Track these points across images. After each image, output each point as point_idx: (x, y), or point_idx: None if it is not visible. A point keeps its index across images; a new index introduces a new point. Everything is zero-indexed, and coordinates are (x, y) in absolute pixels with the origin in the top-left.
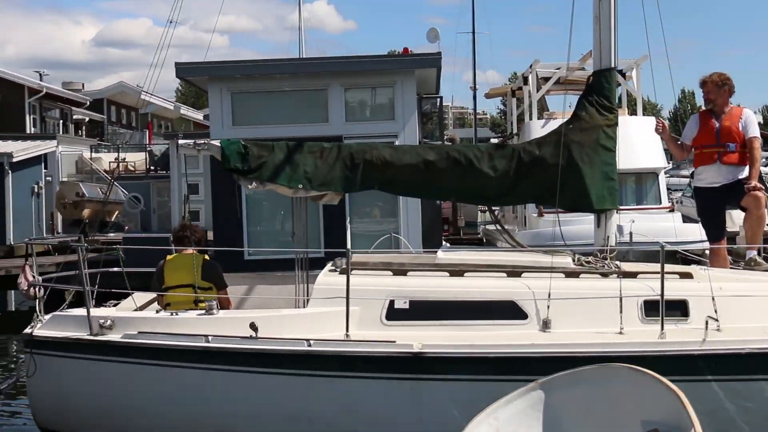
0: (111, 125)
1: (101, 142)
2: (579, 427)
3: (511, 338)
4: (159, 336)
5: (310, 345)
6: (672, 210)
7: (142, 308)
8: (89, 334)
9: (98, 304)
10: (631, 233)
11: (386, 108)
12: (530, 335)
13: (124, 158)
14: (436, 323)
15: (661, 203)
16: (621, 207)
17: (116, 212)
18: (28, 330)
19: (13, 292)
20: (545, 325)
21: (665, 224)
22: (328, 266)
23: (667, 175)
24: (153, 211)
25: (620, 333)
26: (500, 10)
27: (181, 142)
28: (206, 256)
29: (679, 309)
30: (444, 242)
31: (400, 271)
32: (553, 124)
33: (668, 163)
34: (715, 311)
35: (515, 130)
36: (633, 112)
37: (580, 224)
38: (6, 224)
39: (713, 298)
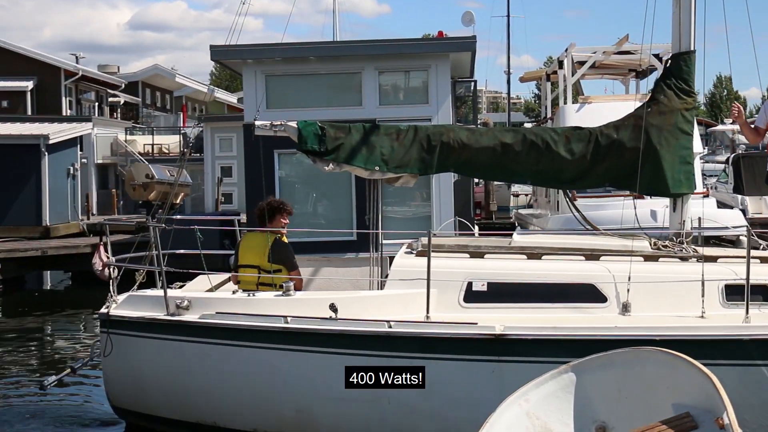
0: (145, 108)
1: (136, 125)
2: (610, 410)
3: (592, 321)
4: (237, 316)
5: (390, 326)
6: (707, 195)
7: (213, 289)
8: (166, 314)
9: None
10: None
11: (420, 91)
12: (610, 318)
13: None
14: (514, 306)
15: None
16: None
17: (182, 194)
18: (103, 310)
19: (48, 272)
20: (625, 308)
21: (700, 209)
22: (404, 248)
23: (702, 161)
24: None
25: (701, 317)
26: None
27: (258, 123)
28: (283, 237)
29: (761, 293)
30: (476, 226)
31: (477, 253)
32: (588, 109)
33: (703, 148)
34: None
35: (549, 115)
36: None
37: (612, 209)
38: (42, 206)
39: None
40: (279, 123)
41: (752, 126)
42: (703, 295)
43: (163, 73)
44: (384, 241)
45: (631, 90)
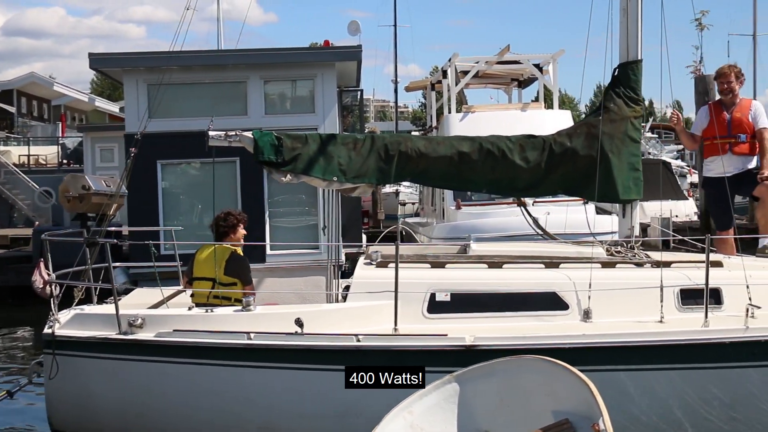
0: (21, 117)
1: (10, 135)
2: (493, 419)
3: (559, 329)
4: (197, 334)
5: (359, 340)
6: (586, 202)
7: (158, 305)
8: (118, 333)
9: (100, 301)
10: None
11: (306, 101)
12: (573, 326)
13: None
14: (478, 315)
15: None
16: (537, 199)
17: (116, 206)
18: (47, 330)
19: None
20: (586, 315)
21: (579, 216)
22: (362, 259)
23: None
24: None
25: (660, 321)
26: (422, 3)
27: (211, 133)
28: (238, 250)
29: (713, 297)
30: (363, 235)
31: (437, 263)
32: (472, 117)
33: None
34: (750, 299)
35: (434, 123)
36: (549, 105)
37: (496, 216)
38: None
39: (747, 286)
40: (234, 133)
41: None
42: (662, 301)
43: (40, 81)
44: (270, 252)
45: (513, 99)
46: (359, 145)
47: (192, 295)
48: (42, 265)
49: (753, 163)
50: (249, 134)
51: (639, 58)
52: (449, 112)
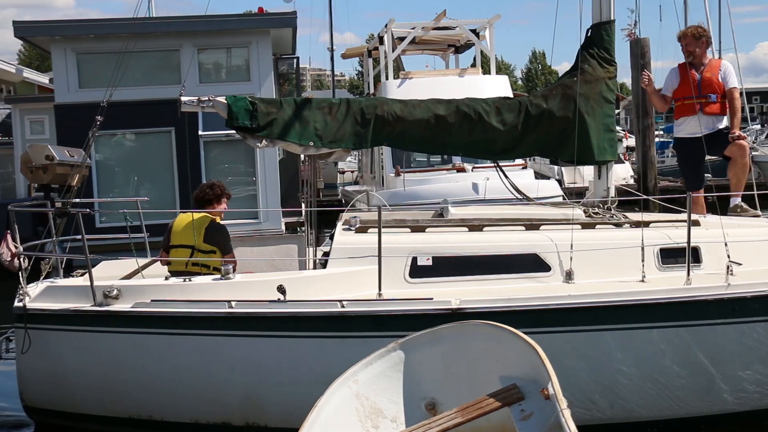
0: None
1: None
2: (439, 386)
3: (542, 290)
4: (176, 303)
5: (343, 306)
6: (525, 167)
7: (130, 276)
8: (93, 305)
9: (66, 274)
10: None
11: (242, 69)
12: (555, 287)
13: None
14: (460, 279)
15: (514, 161)
16: (476, 165)
17: (79, 176)
18: (18, 303)
19: None
20: (568, 276)
21: (518, 181)
22: (340, 224)
23: None
24: None
25: (642, 281)
26: None
27: (183, 98)
28: (218, 219)
29: (692, 256)
30: (302, 204)
31: (417, 228)
32: (409, 84)
33: None
34: (728, 256)
35: (372, 91)
36: (486, 71)
37: (436, 182)
38: None
39: (726, 244)
40: (207, 98)
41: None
42: (643, 260)
43: None
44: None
45: (451, 65)
46: (335, 110)
47: (168, 264)
48: (9, 237)
49: (723, 123)
50: (222, 99)
51: (612, 18)
52: (386, 79)
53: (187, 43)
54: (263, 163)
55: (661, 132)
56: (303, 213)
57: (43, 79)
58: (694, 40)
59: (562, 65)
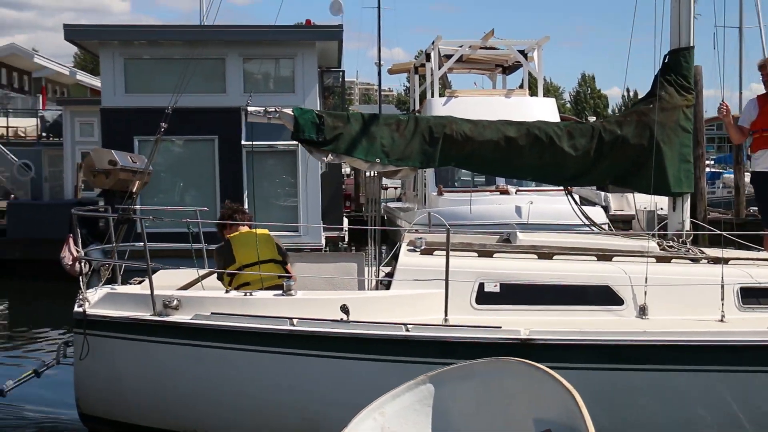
0: (1, 88)
1: None
2: (469, 423)
3: (615, 325)
4: (237, 318)
5: (408, 330)
6: (570, 192)
7: (187, 286)
8: (152, 314)
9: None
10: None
11: (287, 80)
12: (628, 322)
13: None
14: (528, 308)
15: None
16: (520, 189)
17: (140, 183)
18: (78, 308)
19: None
20: (642, 311)
21: (562, 206)
22: (405, 245)
23: None
24: (44, 180)
25: (721, 321)
26: None
27: (250, 108)
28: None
29: None
30: (345, 219)
31: (485, 252)
32: (455, 102)
33: None
34: None
35: (417, 107)
36: (534, 93)
37: (478, 204)
38: None
39: None
40: (273, 110)
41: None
42: (722, 299)
43: (20, 52)
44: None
45: (498, 85)
46: (403, 127)
47: (244, 284)
48: (71, 241)
49: None
50: (289, 111)
51: (691, 44)
52: (432, 96)
53: (233, 52)
54: (305, 175)
55: (712, 162)
56: (344, 228)
57: (96, 82)
58: None
59: (612, 89)
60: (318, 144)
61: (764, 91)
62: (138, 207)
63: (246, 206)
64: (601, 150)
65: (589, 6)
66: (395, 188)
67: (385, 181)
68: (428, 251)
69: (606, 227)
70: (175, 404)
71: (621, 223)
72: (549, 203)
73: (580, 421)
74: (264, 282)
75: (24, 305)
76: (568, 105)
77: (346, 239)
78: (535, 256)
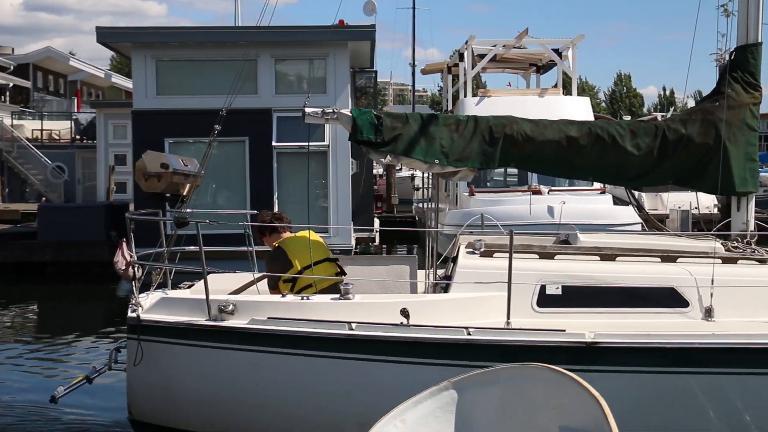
0: (37, 91)
1: (25, 109)
2: (492, 430)
3: (681, 327)
4: (295, 322)
5: (470, 333)
6: (603, 192)
7: (237, 292)
8: (207, 319)
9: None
10: None
11: (318, 81)
12: (694, 324)
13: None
14: (590, 310)
15: (592, 185)
16: (553, 188)
17: (190, 186)
18: (131, 314)
19: None
20: (708, 313)
21: (596, 206)
22: (464, 248)
23: None
24: (78, 182)
25: None
26: None
27: (308, 110)
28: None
29: None
30: (376, 220)
31: (546, 254)
32: (488, 102)
33: None
34: None
35: (450, 107)
36: (568, 92)
37: (509, 204)
38: None
39: None
40: (331, 110)
41: None
42: None
43: (56, 55)
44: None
45: (532, 84)
46: (462, 127)
47: (305, 288)
48: (125, 245)
49: None
50: (347, 112)
51: (759, 40)
52: (465, 96)
53: (265, 53)
54: (336, 177)
55: None
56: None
57: (130, 84)
58: None
59: (648, 88)
60: (376, 145)
61: None
62: (190, 210)
63: (276, 208)
64: (664, 149)
65: (625, 5)
66: (427, 189)
67: (417, 181)
68: (487, 254)
69: (639, 227)
70: (229, 410)
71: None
72: (582, 203)
73: (606, 429)
74: (319, 284)
75: (53, 309)
76: (603, 104)
77: (377, 240)
78: (598, 258)
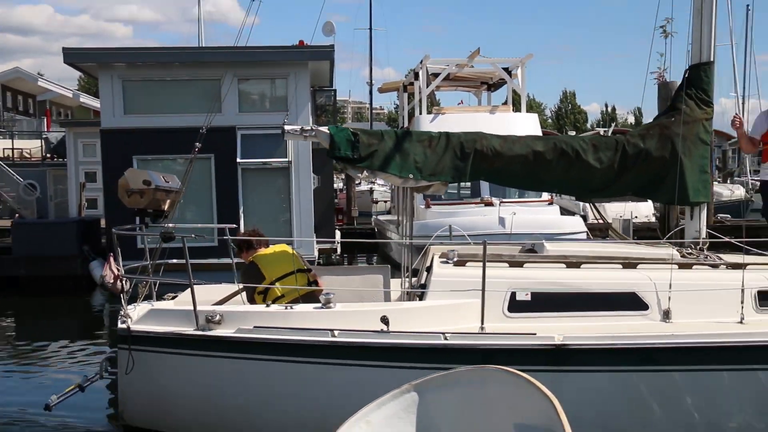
0: (6, 111)
1: None
2: (452, 429)
3: (640, 329)
4: (280, 331)
5: (447, 338)
6: (551, 203)
7: (220, 303)
8: (196, 329)
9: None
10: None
11: (280, 99)
12: (654, 326)
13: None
14: (558, 315)
15: (540, 196)
16: (503, 199)
17: (170, 201)
18: (122, 325)
19: None
20: (666, 315)
21: (544, 216)
22: (438, 258)
23: None
24: (50, 199)
25: (741, 323)
26: (398, 8)
27: (287, 127)
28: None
29: None
30: (337, 232)
31: (515, 262)
32: (442, 119)
33: None
34: None
35: (406, 125)
36: (517, 109)
37: (464, 216)
38: None
39: None
40: (309, 128)
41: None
42: (743, 302)
43: (25, 76)
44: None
45: (483, 102)
46: (434, 143)
47: (278, 298)
48: (112, 259)
49: None
50: (325, 129)
51: (711, 59)
52: (420, 114)
53: (228, 73)
54: (298, 191)
55: None
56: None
57: (98, 104)
58: None
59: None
60: (353, 161)
61: None
62: (171, 225)
63: (242, 222)
64: (625, 163)
65: (570, 27)
66: (385, 201)
67: (375, 195)
68: (461, 263)
69: (584, 235)
70: (218, 416)
71: (598, 231)
72: (531, 213)
73: (559, 427)
74: (290, 294)
75: (28, 321)
76: (550, 120)
77: (339, 251)
78: (564, 265)
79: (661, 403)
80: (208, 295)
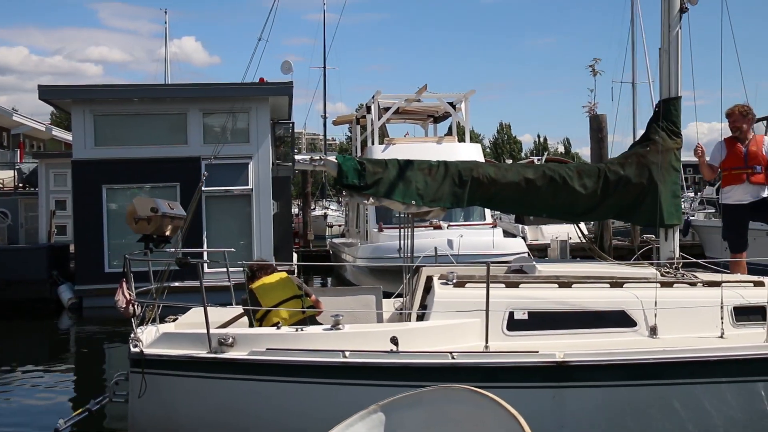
0: None
1: None
2: None
3: (630, 345)
4: (292, 353)
5: (454, 357)
6: (494, 226)
7: (226, 325)
8: (209, 352)
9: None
10: None
11: (242, 131)
12: (642, 341)
13: None
14: (553, 332)
15: (485, 219)
16: (451, 223)
17: (172, 227)
18: (134, 349)
19: None
20: (653, 331)
21: (489, 238)
22: (437, 279)
23: None
24: (20, 226)
25: (721, 337)
26: (349, 49)
27: (298, 157)
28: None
29: (760, 314)
30: (294, 254)
31: (511, 283)
32: (393, 149)
33: None
34: None
35: (359, 154)
36: (461, 139)
37: (417, 238)
38: None
39: None
40: (318, 158)
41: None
42: (722, 318)
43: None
44: (207, 270)
45: (429, 133)
46: (434, 171)
47: (277, 323)
48: (124, 284)
49: (766, 192)
50: (333, 158)
51: (679, 95)
52: (372, 144)
53: (194, 107)
54: (259, 216)
55: None
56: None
57: (69, 137)
58: (742, 117)
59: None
60: (360, 188)
61: (731, 135)
62: (173, 250)
63: (205, 246)
64: (606, 189)
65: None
66: (339, 225)
67: (329, 219)
68: (460, 284)
69: (526, 255)
70: None
71: (537, 251)
72: (476, 236)
73: None
74: (291, 317)
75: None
76: (489, 150)
77: (295, 272)
78: (557, 285)
79: (657, 416)
80: (213, 317)
